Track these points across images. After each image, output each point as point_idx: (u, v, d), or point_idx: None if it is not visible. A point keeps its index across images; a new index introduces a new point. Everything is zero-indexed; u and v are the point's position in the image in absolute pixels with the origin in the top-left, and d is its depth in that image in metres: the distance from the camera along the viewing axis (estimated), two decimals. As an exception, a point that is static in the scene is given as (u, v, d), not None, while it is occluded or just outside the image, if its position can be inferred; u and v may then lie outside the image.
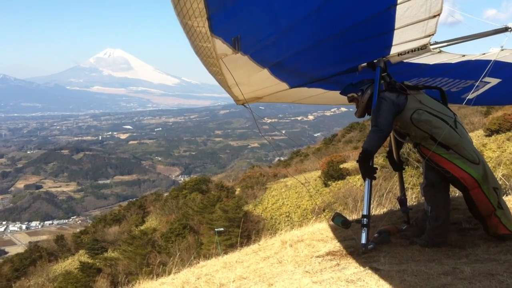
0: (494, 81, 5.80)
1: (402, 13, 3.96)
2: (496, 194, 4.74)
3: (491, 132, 29.16)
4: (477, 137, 29.13)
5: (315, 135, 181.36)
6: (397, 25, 4.18)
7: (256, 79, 5.24)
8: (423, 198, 5.57)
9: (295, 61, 4.92)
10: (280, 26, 3.94)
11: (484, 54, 5.14)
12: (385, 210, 7.61)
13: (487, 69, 4.71)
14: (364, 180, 4.87)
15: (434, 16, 4.00)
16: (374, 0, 3.91)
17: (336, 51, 4.84)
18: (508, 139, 27.33)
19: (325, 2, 3.69)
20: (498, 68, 4.95)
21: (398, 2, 3.81)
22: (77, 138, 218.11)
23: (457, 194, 6.62)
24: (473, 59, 5.27)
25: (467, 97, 6.16)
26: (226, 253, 7.06)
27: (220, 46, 3.75)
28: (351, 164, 36.35)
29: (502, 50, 4.82)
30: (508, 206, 5.10)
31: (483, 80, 5.45)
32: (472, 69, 5.35)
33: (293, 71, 5.36)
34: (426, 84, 5.94)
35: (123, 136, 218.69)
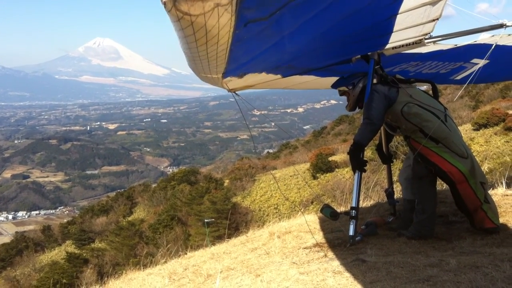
0: (482, 62, 5.85)
1: (402, 20, 3.98)
2: (483, 188, 4.77)
3: (479, 126, 29.42)
4: (465, 131, 29.35)
5: (305, 127, 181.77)
6: (395, 28, 4.23)
7: (250, 77, 5.25)
8: (401, 188, 5.60)
9: (292, 61, 4.94)
10: (286, 55, 4.04)
11: (475, 41, 5.17)
12: (372, 202, 7.65)
13: (489, 51, 4.72)
14: (354, 173, 4.87)
15: (433, 20, 4.01)
16: (376, 14, 3.92)
17: (333, 50, 4.85)
18: (495, 133, 27.60)
19: (331, 27, 3.74)
20: (486, 49, 4.98)
21: (399, 12, 3.82)
22: (65, 128, 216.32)
23: (444, 187, 6.66)
24: (464, 44, 5.31)
25: (455, 78, 6.19)
26: (214, 244, 7.06)
27: (227, 79, 4.02)
28: (340, 156, 36.50)
29: (493, 36, 4.86)
30: (494, 199, 5.14)
31: (471, 61, 5.49)
32: (462, 52, 5.38)
33: (288, 67, 5.36)
34: (416, 67, 5.95)
35: (112, 127, 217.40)
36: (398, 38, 4.58)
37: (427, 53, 5.38)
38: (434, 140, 4.67)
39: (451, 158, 4.66)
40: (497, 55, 5.07)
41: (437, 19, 3.99)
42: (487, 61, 5.66)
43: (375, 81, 5.00)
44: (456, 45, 5.20)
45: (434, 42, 4.94)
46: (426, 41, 4.77)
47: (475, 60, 5.60)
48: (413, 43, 4.81)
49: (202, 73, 3.75)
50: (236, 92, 5.95)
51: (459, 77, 6.10)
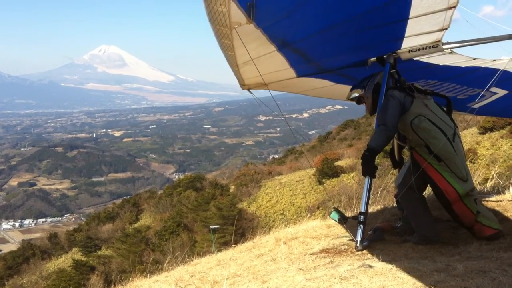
0: (501, 92, 5.73)
1: (418, 2, 3.88)
2: (476, 203, 4.77)
3: (485, 130, 29.28)
4: (471, 134, 29.23)
5: (310, 132, 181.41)
6: (412, 14, 4.08)
7: (265, 59, 5.09)
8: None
9: (306, 44, 4.85)
10: (293, 23, 3.90)
11: (494, 60, 5.05)
12: (379, 207, 7.63)
13: (494, 78, 4.65)
14: (365, 178, 4.85)
15: (450, 8, 3.91)
16: None
17: (348, 37, 4.77)
18: (501, 137, 27.46)
19: None
20: (506, 78, 4.90)
21: None
22: (71, 136, 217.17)
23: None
24: (482, 66, 5.19)
25: (472, 106, 6.10)
26: (220, 250, 7.05)
27: (235, 11, 3.65)
28: (346, 161, 36.43)
29: None
30: (502, 204, 5.12)
31: (490, 90, 5.38)
32: (481, 76, 5.27)
33: (303, 55, 5.27)
34: (433, 87, 5.86)
35: (118, 134, 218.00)
36: (414, 30, 4.45)
37: (443, 66, 5.28)
38: (437, 157, 4.65)
39: (450, 178, 4.65)
40: None
41: (455, 6, 3.88)
42: (507, 91, 5.57)
43: (390, 84, 4.98)
44: (474, 58, 5.09)
45: (451, 49, 4.83)
46: (443, 46, 4.69)
47: (494, 89, 5.53)
48: (430, 47, 4.73)
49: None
50: (250, 90, 5.90)
51: (476, 106, 5.98)
